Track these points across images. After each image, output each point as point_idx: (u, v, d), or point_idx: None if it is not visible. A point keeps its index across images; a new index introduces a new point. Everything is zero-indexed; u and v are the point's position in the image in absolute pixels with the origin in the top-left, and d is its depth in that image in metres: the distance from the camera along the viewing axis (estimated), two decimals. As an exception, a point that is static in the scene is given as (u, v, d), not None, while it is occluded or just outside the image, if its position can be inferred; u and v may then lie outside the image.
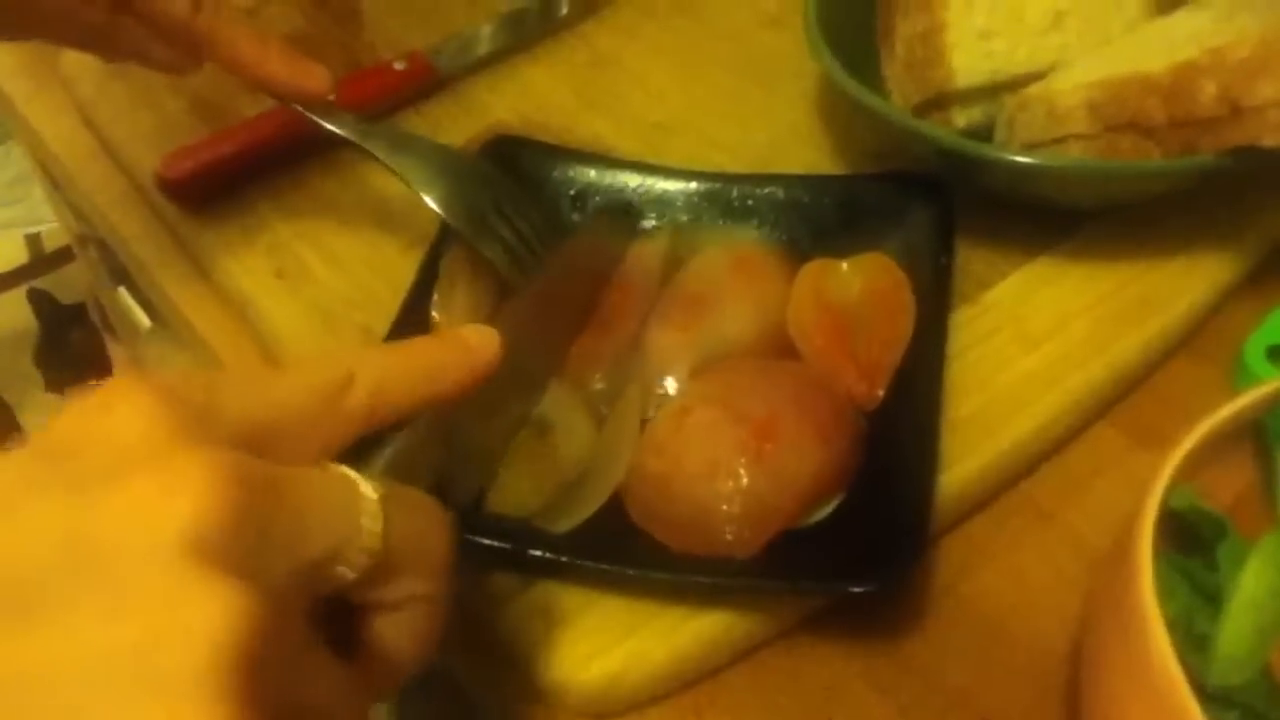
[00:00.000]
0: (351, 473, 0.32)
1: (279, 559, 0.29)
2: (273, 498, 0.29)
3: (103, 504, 0.27)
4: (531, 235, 0.56)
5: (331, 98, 0.57)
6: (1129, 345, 0.53)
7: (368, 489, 0.32)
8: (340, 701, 0.31)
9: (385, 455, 0.38)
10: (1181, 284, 0.55)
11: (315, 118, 0.57)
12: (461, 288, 0.54)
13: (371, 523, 0.31)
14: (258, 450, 0.30)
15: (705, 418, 0.46)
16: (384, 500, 0.32)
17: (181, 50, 0.55)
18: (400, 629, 0.34)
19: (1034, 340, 0.53)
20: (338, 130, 0.57)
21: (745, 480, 0.44)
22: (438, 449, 0.41)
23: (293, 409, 0.33)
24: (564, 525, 0.46)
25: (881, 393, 0.48)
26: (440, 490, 0.38)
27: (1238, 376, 0.53)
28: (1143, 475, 0.41)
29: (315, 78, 0.56)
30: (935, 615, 0.47)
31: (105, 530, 0.26)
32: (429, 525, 0.34)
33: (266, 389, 0.33)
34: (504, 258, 0.54)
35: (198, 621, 0.25)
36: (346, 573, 0.31)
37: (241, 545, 0.27)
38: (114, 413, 0.28)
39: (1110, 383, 0.52)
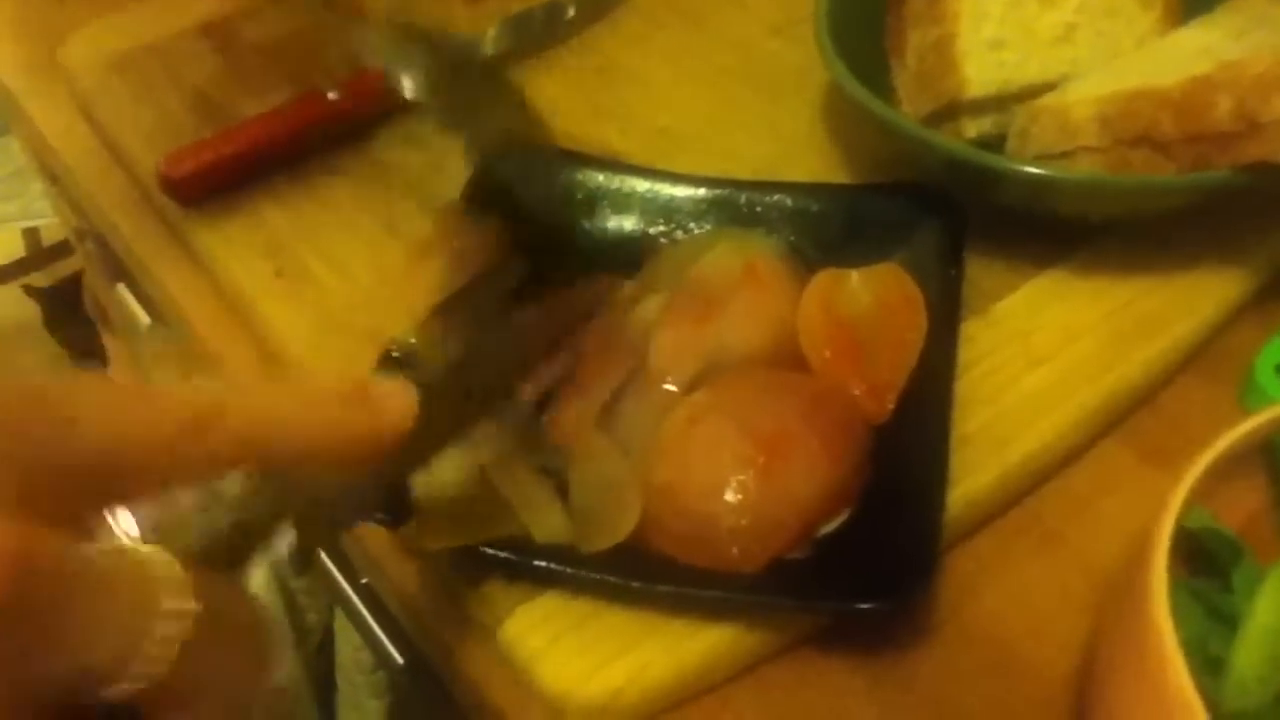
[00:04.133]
0: (161, 565, 0.27)
1: (35, 666, 0.25)
2: (51, 597, 0.24)
3: None
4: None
5: None
6: (1137, 362, 0.52)
7: (173, 600, 0.27)
8: None
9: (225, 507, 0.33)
10: (1190, 301, 0.54)
11: None
12: (438, 260, 0.54)
13: (159, 648, 0.26)
14: (87, 478, 0.27)
15: (713, 429, 0.46)
16: (191, 615, 0.27)
17: None
18: None
19: (1042, 355, 0.52)
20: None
21: (751, 496, 0.44)
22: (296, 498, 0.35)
23: (143, 439, 0.29)
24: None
25: (891, 408, 0.48)
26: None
27: (1247, 394, 0.52)
28: (1150, 493, 0.40)
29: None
30: (940, 633, 0.46)
31: None
32: (239, 654, 0.30)
33: (121, 411, 0.29)
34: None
35: None
36: (114, 692, 0.26)
37: None
38: None
39: (1118, 399, 0.52)
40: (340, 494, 0.37)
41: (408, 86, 0.52)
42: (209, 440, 0.30)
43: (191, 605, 0.27)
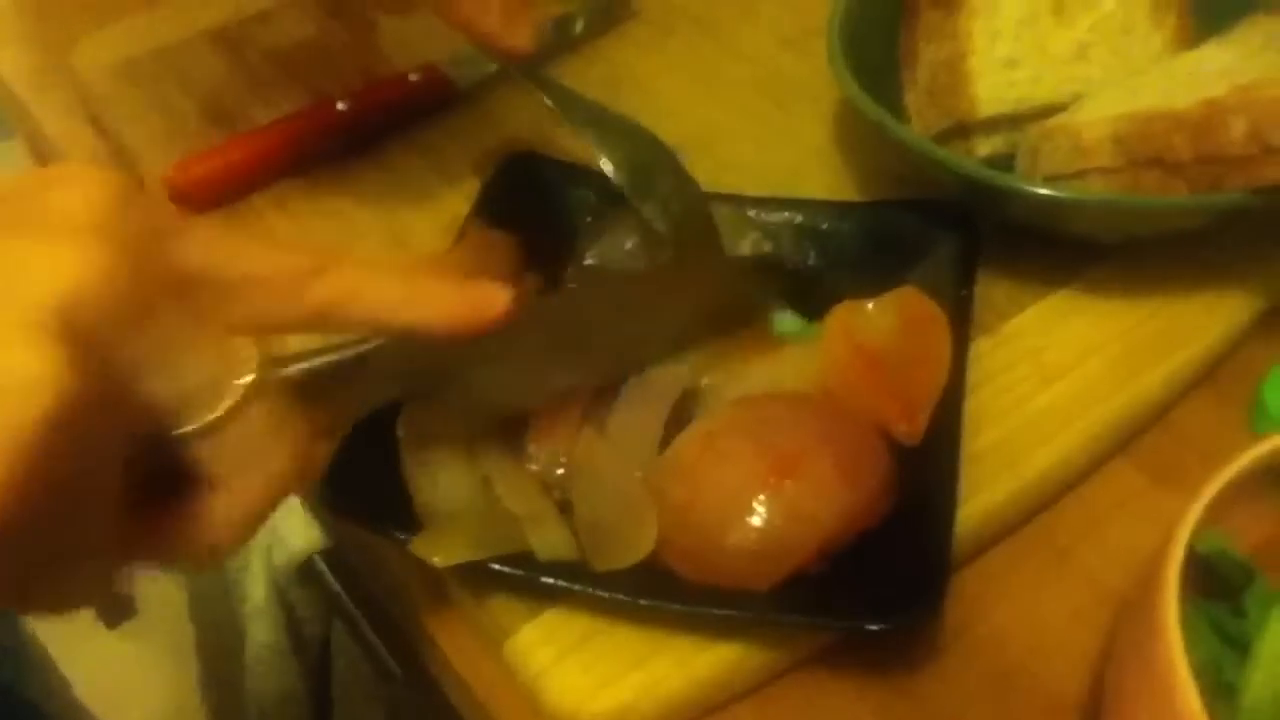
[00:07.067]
0: (245, 354, 0.33)
1: (120, 368, 0.30)
2: (152, 319, 0.30)
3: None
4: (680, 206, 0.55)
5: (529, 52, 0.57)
6: (1148, 382, 0.52)
7: (245, 375, 0.33)
8: (100, 545, 0.32)
9: (331, 359, 0.39)
10: (1201, 321, 0.54)
11: (519, 74, 0.58)
12: (452, 259, 0.54)
13: (225, 400, 0.33)
14: (194, 294, 0.33)
15: (730, 447, 0.45)
16: (253, 389, 0.33)
17: None
18: (201, 509, 0.34)
19: (1053, 374, 0.52)
20: (527, 82, 0.58)
21: (764, 517, 0.43)
22: (394, 379, 0.43)
23: (250, 271, 0.35)
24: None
25: (924, 428, 0.47)
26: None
27: (1256, 417, 0.52)
28: (1160, 513, 0.40)
29: (520, 37, 0.56)
30: (950, 653, 0.46)
31: None
32: (277, 440, 0.35)
33: (236, 247, 0.35)
34: (661, 217, 0.54)
35: (12, 381, 0.27)
36: (177, 422, 0.32)
37: (97, 337, 0.29)
38: (69, 186, 0.31)
39: (1128, 419, 0.52)
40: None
41: (607, 169, 0.54)
42: (309, 291, 0.36)
43: (253, 380, 0.33)
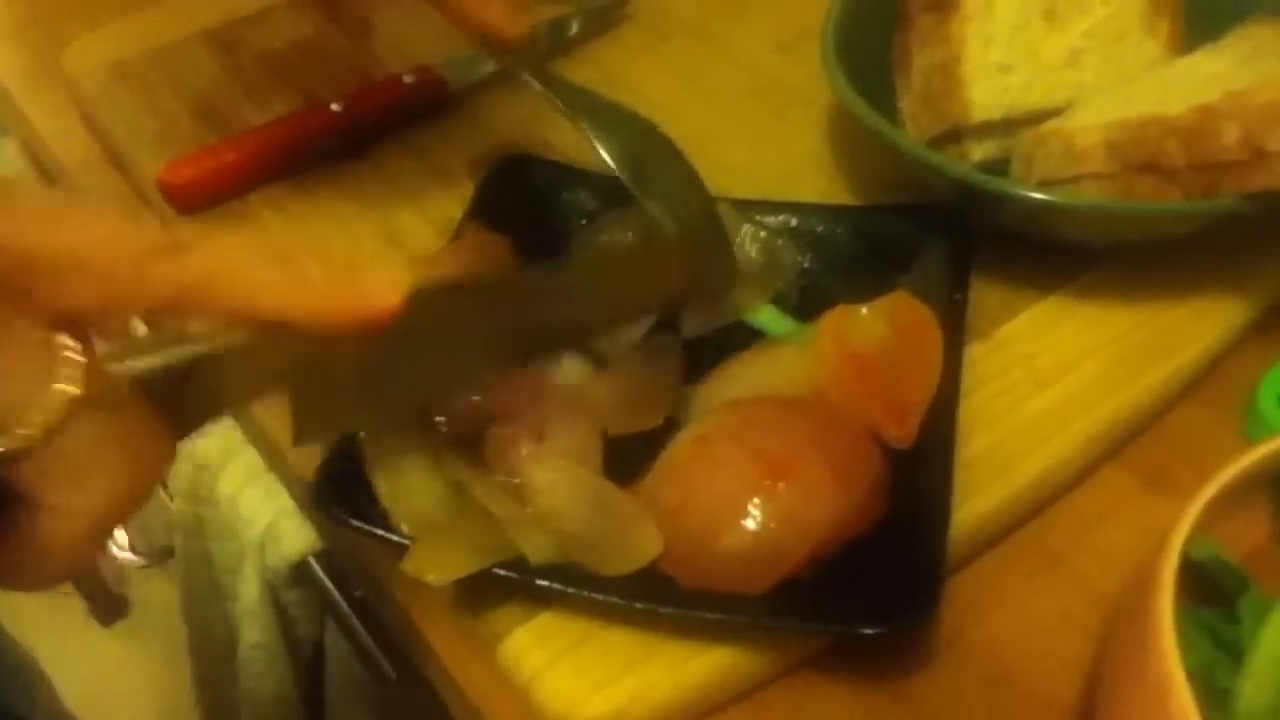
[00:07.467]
0: (67, 356, 0.29)
1: None
2: None
3: None
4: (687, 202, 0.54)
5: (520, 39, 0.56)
6: (1140, 387, 0.52)
7: (66, 384, 0.28)
8: None
9: (172, 353, 0.33)
10: (1194, 327, 0.55)
11: (519, 70, 0.57)
12: (443, 270, 0.53)
13: (40, 415, 0.28)
14: (6, 281, 0.28)
15: (722, 451, 0.45)
16: (79, 401, 0.29)
17: None
18: (26, 529, 0.30)
19: (1046, 380, 0.52)
20: (525, 75, 0.56)
21: (757, 520, 0.43)
22: (266, 375, 0.36)
23: (90, 247, 0.30)
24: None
25: (916, 431, 0.47)
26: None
27: (1250, 423, 0.52)
28: (1152, 519, 0.40)
29: (518, 25, 0.55)
30: (943, 658, 0.46)
31: None
32: (114, 459, 0.30)
33: (61, 219, 0.30)
34: (667, 214, 0.53)
35: None
36: None
37: None
38: None
39: (1121, 424, 0.52)
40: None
41: (606, 158, 0.53)
42: (157, 270, 0.31)
43: (78, 390, 0.29)
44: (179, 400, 0.33)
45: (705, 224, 0.54)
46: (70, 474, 0.29)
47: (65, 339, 0.29)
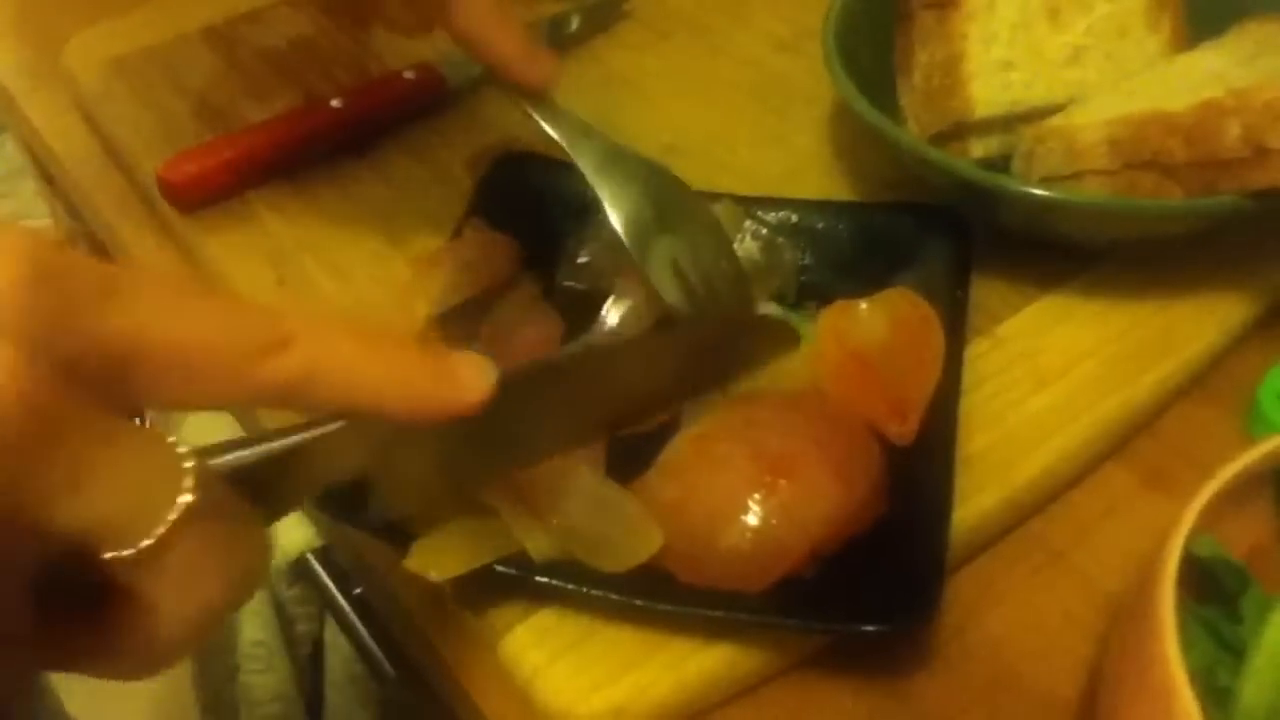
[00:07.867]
0: (180, 464, 0.28)
1: (44, 507, 0.25)
2: (59, 438, 0.25)
3: None
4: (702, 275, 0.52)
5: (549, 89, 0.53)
6: (1141, 386, 0.52)
7: (182, 494, 0.28)
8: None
9: (287, 442, 0.33)
10: (1195, 325, 0.55)
11: (529, 109, 0.53)
12: (446, 268, 0.53)
13: (163, 524, 0.27)
14: (117, 374, 0.28)
15: (722, 449, 0.45)
16: (192, 511, 0.28)
17: (419, 11, 0.51)
18: (131, 627, 0.29)
19: (1046, 377, 0.52)
20: (547, 128, 0.53)
21: (757, 518, 0.43)
22: (352, 461, 0.35)
23: (195, 346, 0.29)
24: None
25: (916, 427, 0.47)
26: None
27: (1252, 421, 0.52)
28: (1153, 517, 0.40)
29: (542, 69, 0.52)
30: (944, 656, 0.46)
31: None
32: (219, 558, 0.30)
33: (178, 311, 0.29)
34: (671, 286, 0.51)
35: None
36: (116, 555, 0.27)
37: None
38: None
39: (1123, 423, 0.52)
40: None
41: (615, 224, 0.51)
42: (266, 368, 0.30)
43: (193, 497, 0.28)
44: (267, 491, 0.33)
45: (723, 272, 0.52)
46: (179, 579, 0.29)
47: (176, 450, 0.28)
